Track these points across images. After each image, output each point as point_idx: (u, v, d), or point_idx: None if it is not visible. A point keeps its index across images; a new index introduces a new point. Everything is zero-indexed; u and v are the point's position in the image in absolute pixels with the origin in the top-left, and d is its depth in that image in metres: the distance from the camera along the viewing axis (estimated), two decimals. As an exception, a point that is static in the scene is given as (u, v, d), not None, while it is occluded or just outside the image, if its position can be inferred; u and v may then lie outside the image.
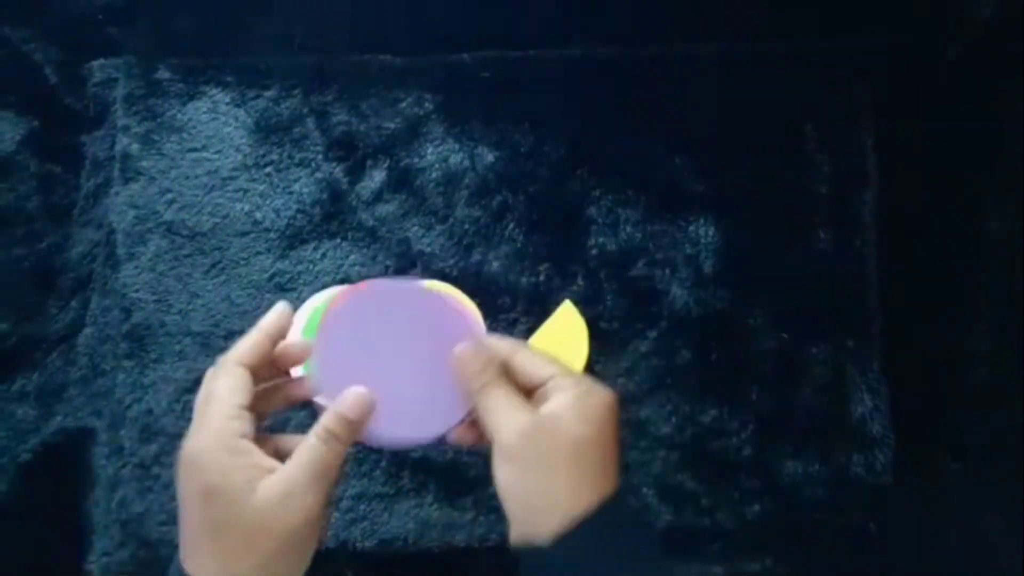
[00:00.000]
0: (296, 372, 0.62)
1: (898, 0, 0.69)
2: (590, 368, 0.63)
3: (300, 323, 0.63)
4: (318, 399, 0.44)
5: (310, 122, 0.67)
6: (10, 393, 0.64)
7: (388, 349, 0.44)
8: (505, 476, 0.40)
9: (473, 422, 0.43)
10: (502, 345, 0.44)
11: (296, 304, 0.64)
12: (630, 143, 0.67)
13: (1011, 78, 0.64)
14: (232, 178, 0.66)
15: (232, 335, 0.63)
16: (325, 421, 0.39)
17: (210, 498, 0.37)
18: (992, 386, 0.63)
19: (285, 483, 0.37)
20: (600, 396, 0.42)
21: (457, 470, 0.61)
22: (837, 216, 0.66)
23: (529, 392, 0.42)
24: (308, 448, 0.38)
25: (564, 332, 0.63)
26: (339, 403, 0.40)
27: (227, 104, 0.67)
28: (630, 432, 0.62)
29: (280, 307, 0.42)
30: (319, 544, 0.40)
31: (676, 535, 0.60)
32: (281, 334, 0.43)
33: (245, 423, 0.38)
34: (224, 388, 0.39)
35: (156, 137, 0.67)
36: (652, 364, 0.63)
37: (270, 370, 0.43)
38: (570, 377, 0.42)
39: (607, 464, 0.40)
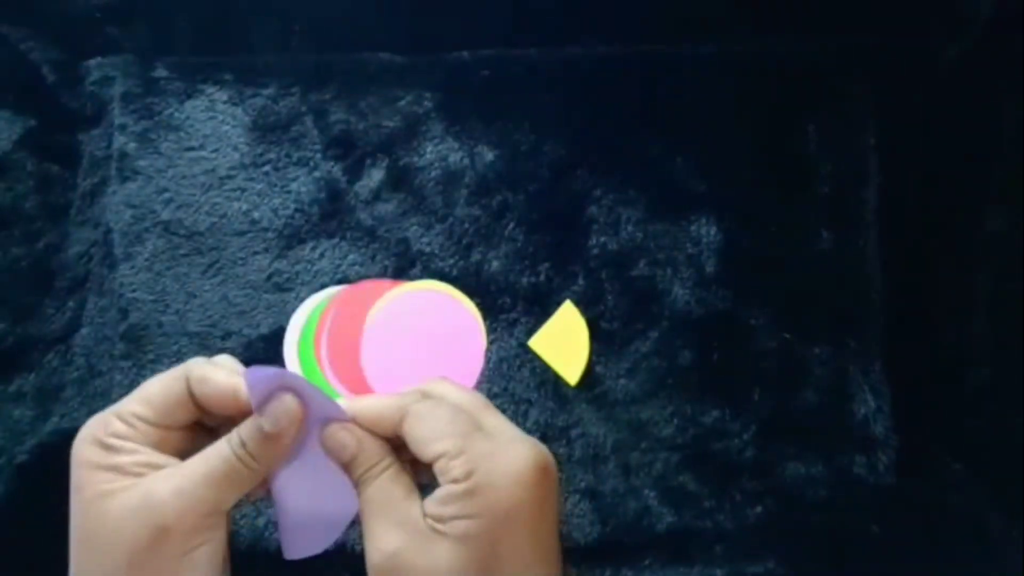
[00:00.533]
0: (292, 365, 0.62)
1: (898, 0, 0.69)
2: (591, 369, 0.63)
3: (298, 323, 0.63)
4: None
5: (308, 121, 0.67)
6: (7, 394, 0.64)
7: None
8: None
9: None
10: (389, 407, 0.34)
11: (294, 304, 0.64)
12: (631, 142, 0.67)
13: (1011, 78, 0.64)
14: (230, 177, 0.66)
15: (229, 335, 0.63)
16: (242, 429, 0.33)
17: (76, 495, 0.33)
18: (995, 387, 0.63)
19: (177, 482, 0.32)
20: (497, 489, 0.31)
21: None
22: (839, 216, 0.66)
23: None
24: (209, 454, 0.33)
25: (564, 332, 0.62)
26: (263, 410, 0.33)
27: (225, 103, 0.67)
28: (633, 434, 0.62)
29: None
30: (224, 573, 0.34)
31: (677, 537, 0.60)
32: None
33: (135, 431, 0.33)
34: (143, 389, 0.35)
35: (153, 136, 0.66)
36: (653, 364, 0.63)
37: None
38: (460, 457, 0.32)
39: None
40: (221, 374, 0.34)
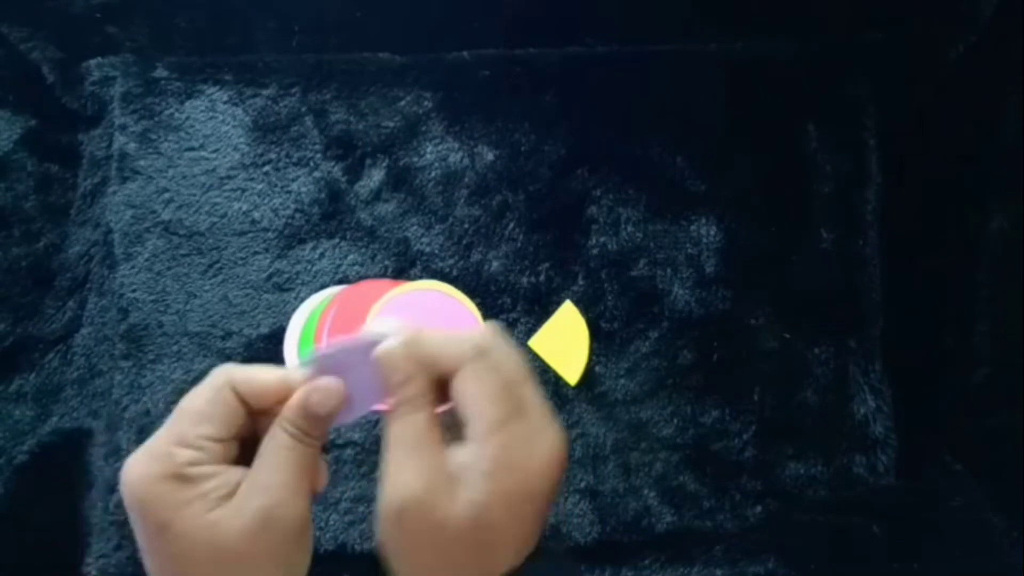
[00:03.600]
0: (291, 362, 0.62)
1: (899, 1, 0.69)
2: (591, 369, 0.63)
3: (298, 323, 0.63)
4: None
5: (308, 121, 0.67)
6: (7, 394, 0.64)
7: None
8: (378, 535, 0.33)
9: None
10: (453, 351, 0.34)
11: (294, 304, 0.64)
12: (631, 142, 0.67)
13: (1012, 78, 0.64)
14: (230, 177, 0.66)
15: (229, 335, 0.63)
16: (291, 417, 0.33)
17: (166, 534, 0.32)
18: (994, 386, 0.63)
19: (261, 492, 0.32)
20: (520, 476, 0.32)
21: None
22: (839, 216, 0.66)
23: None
24: (280, 447, 0.33)
25: (565, 333, 0.62)
26: (304, 395, 0.34)
27: (225, 103, 0.67)
28: (633, 434, 0.62)
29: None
30: (309, 556, 0.35)
31: (677, 537, 0.60)
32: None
33: (206, 453, 0.33)
34: (194, 410, 0.33)
35: (153, 136, 0.66)
36: (653, 365, 0.63)
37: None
38: (495, 436, 0.33)
39: (495, 553, 0.33)
40: (262, 371, 0.34)
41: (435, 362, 0.34)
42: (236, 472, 0.33)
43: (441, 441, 0.34)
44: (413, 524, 0.32)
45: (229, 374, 0.34)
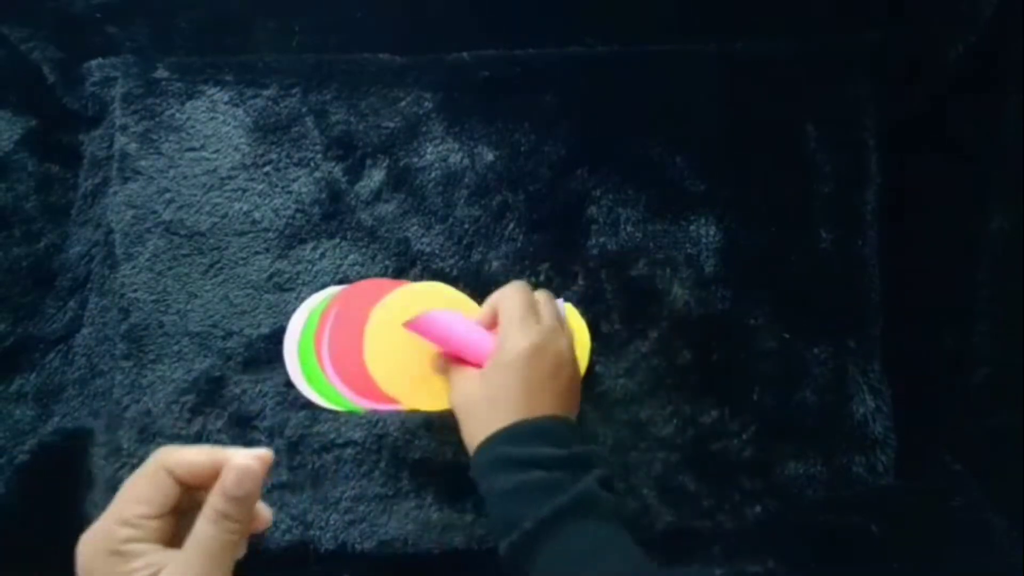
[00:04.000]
0: (294, 374, 0.62)
1: (899, 0, 0.69)
2: (591, 368, 0.63)
3: (298, 323, 0.63)
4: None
5: (309, 121, 0.67)
6: (8, 393, 0.64)
7: None
8: (497, 375, 0.53)
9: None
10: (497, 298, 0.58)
11: (295, 304, 0.64)
12: (631, 142, 0.67)
13: (1012, 78, 0.64)
14: (230, 177, 0.66)
15: (230, 335, 0.63)
16: (213, 502, 0.37)
17: None
18: (994, 386, 0.63)
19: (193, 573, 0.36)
20: (508, 355, 0.53)
21: (457, 471, 0.61)
22: (838, 215, 0.66)
23: None
24: (199, 534, 0.37)
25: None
26: (223, 480, 0.37)
27: (225, 103, 0.67)
28: (632, 434, 0.62)
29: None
30: None
31: (676, 536, 0.60)
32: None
33: (142, 531, 0.36)
34: (132, 492, 0.37)
35: (154, 136, 0.67)
36: (653, 364, 0.63)
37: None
38: (504, 328, 0.55)
39: (498, 407, 0.52)
40: (193, 452, 0.38)
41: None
42: (168, 554, 0.37)
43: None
44: (539, 362, 0.53)
45: (162, 459, 0.38)
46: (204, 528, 0.37)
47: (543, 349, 0.53)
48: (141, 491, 0.37)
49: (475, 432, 0.53)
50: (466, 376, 0.55)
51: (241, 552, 0.39)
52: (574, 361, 0.56)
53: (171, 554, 0.37)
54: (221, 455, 0.38)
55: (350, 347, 0.62)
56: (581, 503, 0.47)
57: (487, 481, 0.50)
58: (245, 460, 0.38)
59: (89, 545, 0.37)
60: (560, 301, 0.62)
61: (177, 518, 0.39)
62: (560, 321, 0.57)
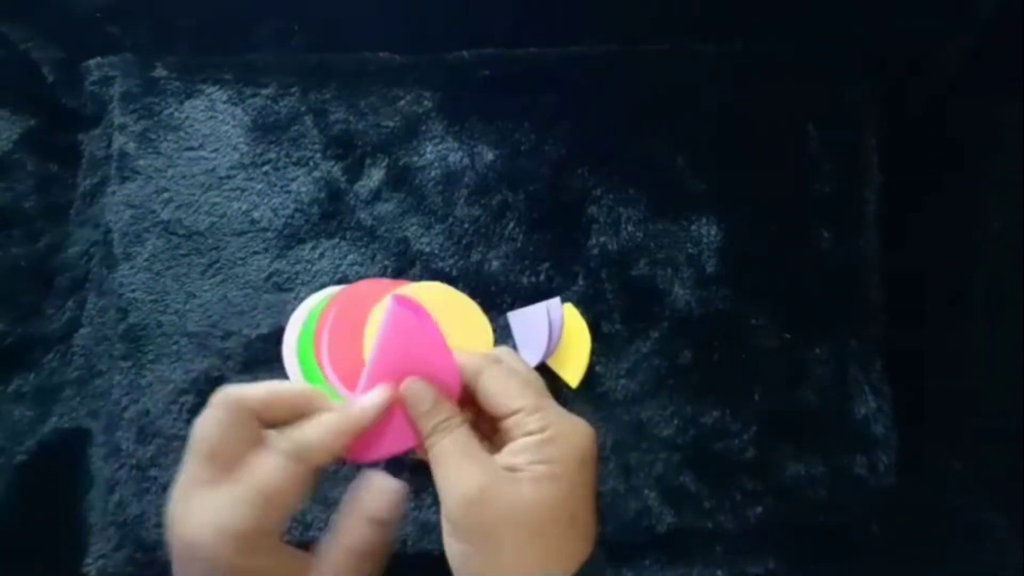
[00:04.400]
0: (293, 374, 0.62)
1: (899, 1, 0.69)
2: (591, 369, 0.62)
3: (298, 323, 0.63)
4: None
5: (308, 120, 0.67)
6: (7, 394, 0.64)
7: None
8: (451, 551, 0.35)
9: None
10: (468, 363, 0.37)
11: (294, 304, 0.63)
12: (631, 142, 0.67)
13: (1012, 78, 0.64)
14: (229, 177, 0.66)
15: (229, 335, 0.63)
16: (360, 532, 0.35)
17: None
18: (996, 386, 0.63)
19: None
20: (571, 442, 0.35)
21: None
22: (839, 215, 0.66)
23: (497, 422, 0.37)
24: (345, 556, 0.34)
25: (565, 335, 0.62)
26: (367, 504, 0.35)
27: (224, 102, 0.67)
28: (633, 435, 0.62)
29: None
30: None
31: (678, 537, 0.60)
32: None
33: (272, 517, 0.33)
34: (270, 471, 0.33)
35: (153, 136, 0.66)
36: (654, 364, 0.63)
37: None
38: (537, 413, 0.35)
39: (578, 527, 0.34)
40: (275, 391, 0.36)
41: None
42: (300, 561, 0.34)
43: (484, 449, 0.36)
44: (485, 514, 0.34)
45: (287, 450, 0.34)
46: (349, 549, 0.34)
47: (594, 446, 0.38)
48: (275, 471, 0.33)
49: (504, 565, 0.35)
50: (493, 473, 0.35)
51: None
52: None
53: (308, 559, 0.34)
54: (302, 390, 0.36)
55: (350, 347, 0.61)
56: None
57: None
58: (390, 483, 0.36)
59: (219, 541, 0.32)
60: (558, 301, 0.62)
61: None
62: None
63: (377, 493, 0.35)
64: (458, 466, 0.35)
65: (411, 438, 0.38)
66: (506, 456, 0.35)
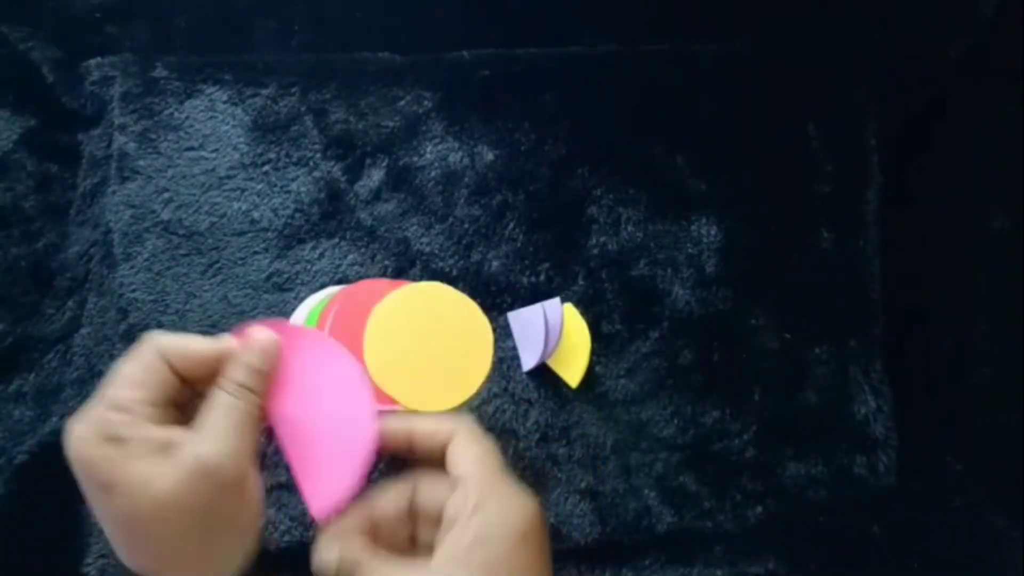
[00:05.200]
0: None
1: (899, 0, 0.69)
2: (591, 369, 0.62)
3: (298, 323, 0.63)
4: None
5: (308, 120, 0.67)
6: (7, 394, 0.64)
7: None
8: None
9: None
10: (396, 431, 0.38)
11: (294, 304, 0.64)
12: (631, 142, 0.67)
13: (1012, 78, 0.64)
14: (229, 177, 0.66)
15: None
16: (232, 375, 0.35)
17: (110, 494, 0.33)
18: (996, 386, 0.63)
19: (199, 450, 0.33)
20: (507, 535, 0.34)
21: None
22: (840, 216, 0.66)
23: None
24: (220, 406, 0.34)
25: (565, 335, 0.62)
26: (245, 354, 0.36)
27: (224, 102, 0.67)
28: (633, 435, 0.62)
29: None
30: (261, 521, 0.35)
31: (678, 537, 0.60)
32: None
33: (137, 415, 0.34)
34: (125, 377, 0.35)
35: (153, 136, 0.66)
36: (654, 365, 0.63)
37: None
38: (470, 500, 0.35)
39: None
40: (194, 341, 0.36)
41: (434, 432, 0.39)
42: (171, 431, 0.34)
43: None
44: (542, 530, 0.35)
45: (158, 345, 0.35)
46: (225, 399, 0.35)
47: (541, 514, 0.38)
48: (135, 375, 0.35)
49: None
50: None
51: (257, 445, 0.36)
52: None
53: (184, 431, 0.34)
54: (225, 345, 0.36)
55: (350, 347, 0.61)
56: None
57: None
58: (268, 334, 0.36)
59: (80, 434, 0.34)
60: (558, 301, 0.62)
61: (175, 414, 0.36)
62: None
63: (257, 343, 0.36)
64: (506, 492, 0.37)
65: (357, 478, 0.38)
66: (449, 507, 0.36)
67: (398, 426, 0.39)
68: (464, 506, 0.35)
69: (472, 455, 0.37)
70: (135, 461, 0.33)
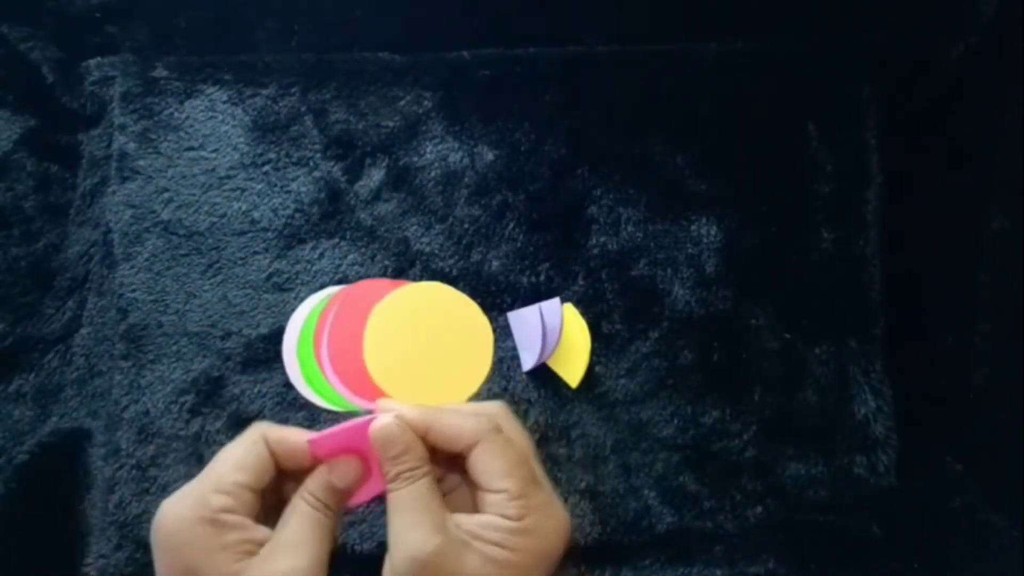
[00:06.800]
0: (293, 374, 0.62)
1: (899, 0, 0.69)
2: (591, 369, 0.62)
3: (298, 323, 0.63)
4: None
5: (308, 120, 0.67)
6: (6, 394, 0.64)
7: None
8: None
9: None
10: (468, 431, 0.37)
11: (294, 304, 0.64)
12: (631, 141, 0.67)
13: (1013, 78, 0.64)
14: (229, 177, 0.66)
15: (229, 335, 0.63)
16: (313, 488, 0.36)
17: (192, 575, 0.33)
18: (996, 386, 0.63)
19: (285, 560, 0.34)
20: (541, 538, 0.35)
21: (457, 471, 0.61)
22: (840, 215, 0.66)
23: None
24: (300, 514, 0.36)
25: (565, 335, 0.62)
26: (327, 470, 0.37)
27: (224, 102, 0.67)
28: (633, 435, 0.62)
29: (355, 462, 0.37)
30: None
31: (677, 537, 0.60)
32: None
33: (239, 501, 0.35)
34: (231, 459, 0.36)
35: (153, 136, 0.66)
36: (654, 365, 0.63)
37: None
38: (519, 500, 0.36)
39: None
40: (294, 433, 0.37)
41: (455, 438, 0.37)
42: (262, 531, 0.35)
43: (444, 507, 0.36)
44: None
45: (264, 430, 0.37)
46: (305, 510, 0.36)
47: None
48: (240, 458, 0.36)
49: None
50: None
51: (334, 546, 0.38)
52: None
53: (265, 532, 0.35)
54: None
55: (350, 347, 0.61)
56: None
57: None
58: (355, 463, 0.37)
59: (179, 512, 0.34)
60: (557, 301, 0.62)
61: (264, 504, 0.37)
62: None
63: (342, 463, 0.37)
64: (413, 521, 0.35)
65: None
66: (472, 522, 0.36)
67: (417, 420, 0.38)
68: (503, 524, 0.35)
69: (497, 468, 0.37)
70: (227, 553, 0.33)
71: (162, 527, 0.34)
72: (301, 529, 0.35)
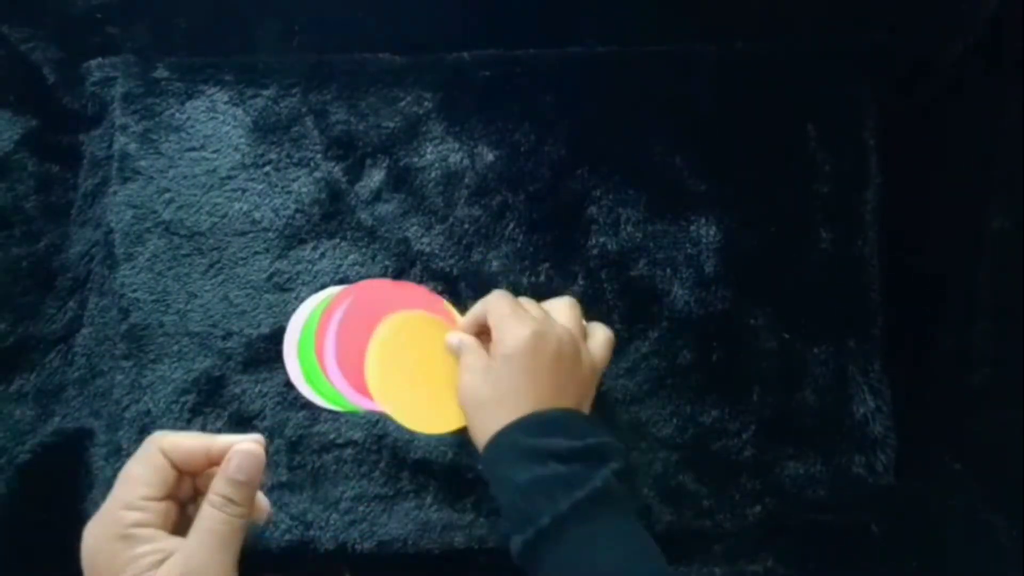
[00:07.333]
0: (294, 374, 0.62)
1: (899, 0, 0.69)
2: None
3: (298, 323, 0.63)
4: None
5: (309, 121, 0.67)
6: (8, 394, 0.64)
7: None
8: (498, 372, 0.50)
9: None
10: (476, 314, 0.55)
11: (294, 304, 0.64)
12: (631, 142, 0.67)
13: (1012, 78, 0.64)
14: (230, 177, 0.66)
15: (230, 335, 0.63)
16: (216, 487, 0.38)
17: None
18: (994, 386, 0.63)
19: (184, 562, 0.36)
20: (506, 347, 0.50)
21: (457, 471, 0.61)
22: (839, 216, 0.66)
23: None
24: (204, 519, 0.37)
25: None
26: (225, 465, 0.39)
27: (225, 103, 0.67)
28: (633, 434, 0.62)
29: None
30: None
31: (677, 536, 0.60)
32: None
33: (148, 514, 0.37)
34: (132, 475, 0.38)
35: (154, 136, 0.67)
36: (653, 364, 0.63)
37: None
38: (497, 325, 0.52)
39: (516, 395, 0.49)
40: (188, 437, 0.39)
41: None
42: (173, 541, 0.37)
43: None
44: (543, 349, 0.50)
45: (157, 441, 0.39)
46: (209, 512, 0.38)
47: (544, 336, 0.50)
48: (140, 473, 0.38)
49: (485, 426, 0.50)
50: (472, 370, 0.52)
51: (263, 519, 0.41)
52: (575, 351, 0.52)
53: (178, 541, 0.37)
54: (212, 441, 0.39)
55: (357, 346, 0.61)
56: (598, 498, 0.45)
57: (500, 473, 0.48)
58: (247, 445, 0.39)
59: (95, 532, 0.37)
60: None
61: (179, 507, 0.39)
62: (550, 319, 0.54)
63: (236, 454, 0.39)
64: (510, 320, 0.51)
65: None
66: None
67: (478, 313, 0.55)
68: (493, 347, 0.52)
69: (479, 313, 0.54)
70: (135, 565, 0.36)
71: (84, 547, 0.37)
72: (199, 535, 0.37)
